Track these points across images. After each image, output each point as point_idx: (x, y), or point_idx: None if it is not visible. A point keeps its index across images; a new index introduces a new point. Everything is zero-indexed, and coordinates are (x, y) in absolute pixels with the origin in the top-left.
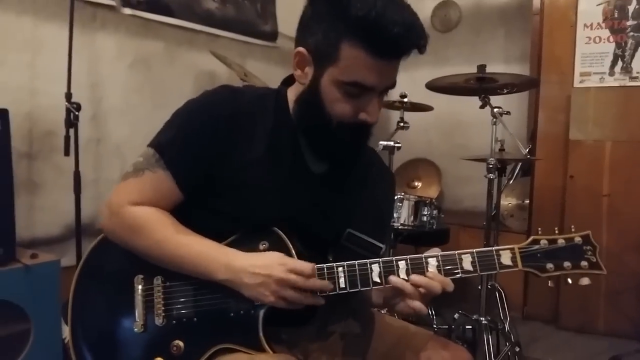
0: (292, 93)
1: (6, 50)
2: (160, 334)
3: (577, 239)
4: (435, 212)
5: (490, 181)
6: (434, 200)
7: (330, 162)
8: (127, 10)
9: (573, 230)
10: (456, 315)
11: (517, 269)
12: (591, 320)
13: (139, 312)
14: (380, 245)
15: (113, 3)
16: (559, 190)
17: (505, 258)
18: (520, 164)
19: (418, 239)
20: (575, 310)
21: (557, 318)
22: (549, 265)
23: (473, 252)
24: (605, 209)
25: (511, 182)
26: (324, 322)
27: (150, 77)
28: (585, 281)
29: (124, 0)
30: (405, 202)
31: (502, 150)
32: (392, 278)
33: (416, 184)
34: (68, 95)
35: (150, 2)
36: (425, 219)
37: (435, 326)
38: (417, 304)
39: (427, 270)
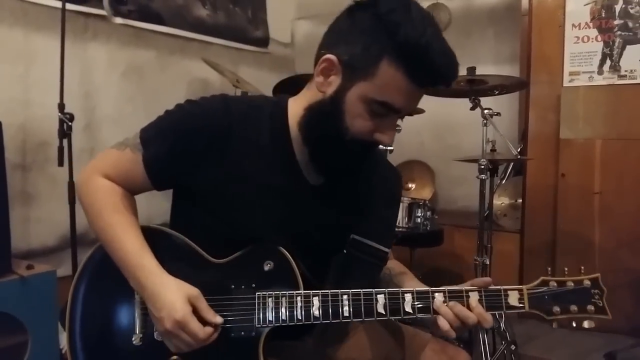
0: (295, 103)
1: None
2: (158, 349)
3: (586, 282)
4: (429, 213)
5: (482, 182)
6: (427, 202)
7: (329, 175)
8: (119, 20)
9: (582, 271)
10: None
11: (523, 310)
12: None
13: (138, 325)
14: (386, 249)
15: (104, 13)
16: (551, 189)
17: (513, 299)
18: (512, 163)
19: (413, 240)
20: None
21: None
22: (556, 309)
23: (481, 290)
24: (597, 206)
25: (504, 181)
26: (324, 328)
27: (142, 86)
28: (588, 324)
29: (115, 10)
30: (399, 204)
31: (493, 150)
32: (438, 305)
33: (410, 185)
34: (61, 106)
35: (142, 11)
36: (419, 220)
37: None
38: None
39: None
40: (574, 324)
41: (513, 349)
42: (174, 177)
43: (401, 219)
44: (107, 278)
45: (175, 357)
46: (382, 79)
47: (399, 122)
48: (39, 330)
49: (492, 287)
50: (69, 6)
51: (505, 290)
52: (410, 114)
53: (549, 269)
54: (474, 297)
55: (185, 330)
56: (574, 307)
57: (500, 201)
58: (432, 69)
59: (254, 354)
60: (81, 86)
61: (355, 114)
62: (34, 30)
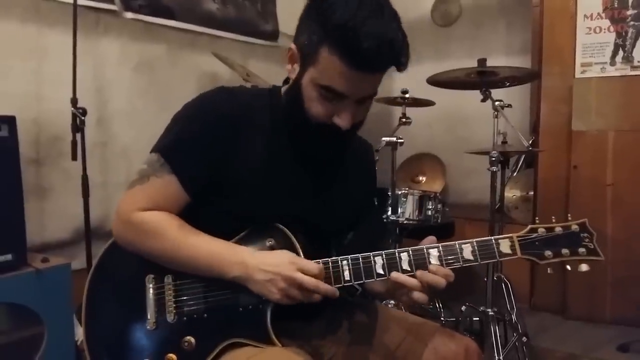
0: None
1: (12, 58)
2: (172, 331)
3: (574, 227)
4: (439, 206)
5: (494, 174)
6: (438, 195)
7: (311, 161)
8: (129, 15)
9: (570, 218)
10: (463, 308)
11: (516, 256)
12: (598, 309)
13: (150, 310)
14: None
15: (115, 8)
16: (563, 181)
17: (505, 247)
18: (524, 156)
19: (423, 233)
20: (582, 300)
21: (564, 308)
22: (548, 253)
23: (473, 242)
24: (610, 198)
25: (515, 174)
26: (333, 315)
27: (154, 80)
28: (584, 268)
29: (126, 5)
30: (410, 197)
31: (504, 142)
32: (394, 274)
33: (421, 178)
34: (74, 101)
35: (152, 5)
36: (430, 213)
37: (442, 319)
38: (419, 295)
39: (429, 262)
40: (569, 268)
41: (525, 341)
42: (203, 179)
43: (411, 211)
44: (120, 271)
45: (188, 337)
46: (322, 64)
47: (408, 115)
48: (54, 322)
49: (483, 237)
50: (80, 2)
51: (497, 239)
52: (371, 97)
53: (537, 218)
54: (467, 249)
55: (299, 267)
56: (565, 251)
57: (512, 194)
58: (362, 53)
59: (262, 326)
60: (93, 81)
61: (311, 99)
62: (46, 26)
